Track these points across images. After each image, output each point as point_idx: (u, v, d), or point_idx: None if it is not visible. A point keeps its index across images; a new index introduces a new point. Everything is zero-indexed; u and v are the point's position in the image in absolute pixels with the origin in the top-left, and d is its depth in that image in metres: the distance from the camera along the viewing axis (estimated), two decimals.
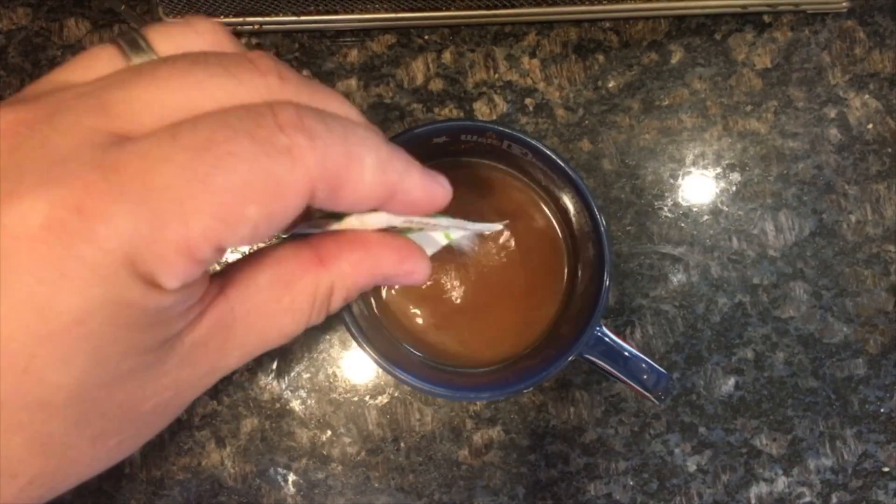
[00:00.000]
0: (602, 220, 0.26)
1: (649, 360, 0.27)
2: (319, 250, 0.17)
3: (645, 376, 0.27)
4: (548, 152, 0.26)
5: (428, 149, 0.29)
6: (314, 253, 0.17)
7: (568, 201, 0.29)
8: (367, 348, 0.26)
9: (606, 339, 0.27)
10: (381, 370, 0.35)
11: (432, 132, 0.27)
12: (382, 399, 0.35)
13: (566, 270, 0.30)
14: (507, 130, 0.27)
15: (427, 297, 0.30)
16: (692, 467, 0.35)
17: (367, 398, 0.35)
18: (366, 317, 0.29)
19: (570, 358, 0.26)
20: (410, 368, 0.26)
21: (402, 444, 0.35)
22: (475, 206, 0.30)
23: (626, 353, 0.27)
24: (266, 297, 0.16)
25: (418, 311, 0.30)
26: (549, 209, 0.31)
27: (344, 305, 0.19)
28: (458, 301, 0.30)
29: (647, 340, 0.36)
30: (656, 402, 0.28)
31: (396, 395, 0.35)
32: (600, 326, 0.27)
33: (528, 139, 0.27)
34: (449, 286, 0.30)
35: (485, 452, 0.35)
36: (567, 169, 0.26)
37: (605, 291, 0.26)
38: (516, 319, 0.30)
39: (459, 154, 0.30)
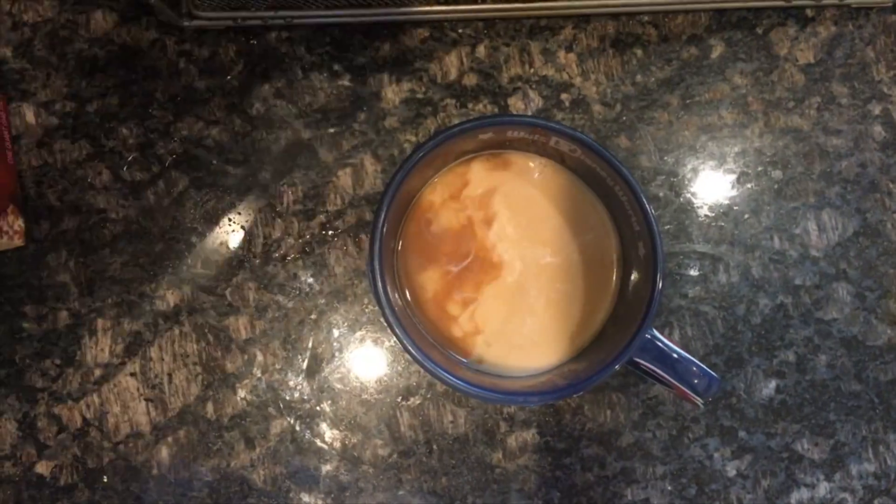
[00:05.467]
0: (654, 218, 0.25)
1: (700, 364, 0.26)
2: None
3: (696, 380, 0.26)
4: (600, 148, 0.26)
5: (473, 143, 0.28)
6: None
7: (617, 199, 0.28)
8: (417, 355, 0.25)
9: (658, 343, 0.26)
10: (413, 371, 0.34)
11: (478, 126, 0.26)
12: (415, 401, 0.34)
13: (615, 271, 0.29)
14: (557, 126, 0.26)
15: (468, 300, 0.29)
16: (732, 472, 0.35)
17: (399, 399, 0.34)
18: (409, 320, 0.28)
19: (622, 361, 0.25)
20: (458, 373, 0.25)
21: (435, 447, 0.34)
22: (528, 202, 0.29)
23: (677, 356, 0.26)
24: None
25: (460, 313, 0.29)
26: (598, 207, 0.30)
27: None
28: (507, 304, 0.29)
29: (686, 342, 0.35)
30: (700, 406, 0.27)
31: (429, 396, 0.34)
32: (651, 329, 0.26)
33: (580, 135, 0.26)
34: (498, 286, 0.29)
35: (519, 455, 0.34)
36: (619, 166, 0.26)
37: (658, 293, 0.25)
38: (567, 324, 0.29)
39: (503, 147, 0.29)
